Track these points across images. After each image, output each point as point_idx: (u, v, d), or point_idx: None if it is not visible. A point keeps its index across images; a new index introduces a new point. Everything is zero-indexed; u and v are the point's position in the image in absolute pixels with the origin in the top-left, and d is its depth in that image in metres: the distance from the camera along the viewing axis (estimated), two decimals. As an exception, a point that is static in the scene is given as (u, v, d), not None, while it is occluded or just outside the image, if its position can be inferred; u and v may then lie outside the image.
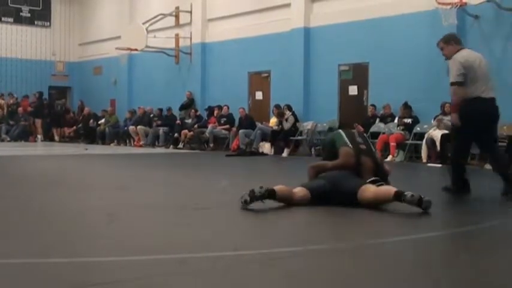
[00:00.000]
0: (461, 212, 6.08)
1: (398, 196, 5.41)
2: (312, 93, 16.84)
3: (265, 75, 18.44)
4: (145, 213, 5.61)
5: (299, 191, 5.85)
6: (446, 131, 12.43)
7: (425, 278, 3.39)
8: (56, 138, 23.60)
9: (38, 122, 23.52)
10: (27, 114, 23.67)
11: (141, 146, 19.77)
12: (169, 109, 20.28)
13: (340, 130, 7.08)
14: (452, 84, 6.87)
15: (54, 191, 7.62)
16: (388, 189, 5.63)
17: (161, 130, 19.68)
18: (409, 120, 13.63)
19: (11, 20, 25.90)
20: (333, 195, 5.77)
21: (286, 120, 16.04)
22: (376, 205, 5.65)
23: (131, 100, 23.54)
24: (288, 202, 5.74)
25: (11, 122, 23.49)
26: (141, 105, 21.40)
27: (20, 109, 23.72)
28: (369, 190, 5.68)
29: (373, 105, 15.06)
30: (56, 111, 24.11)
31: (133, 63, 23.48)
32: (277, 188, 5.66)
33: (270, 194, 5.54)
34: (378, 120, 14.65)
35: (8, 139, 22.56)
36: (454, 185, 7.04)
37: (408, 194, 5.37)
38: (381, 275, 3.44)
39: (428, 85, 13.67)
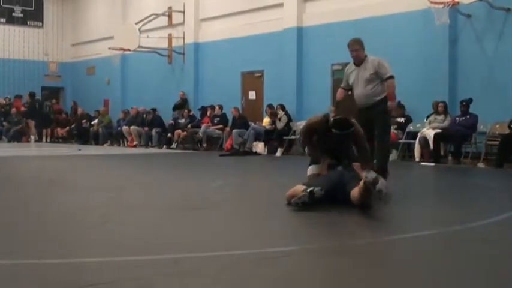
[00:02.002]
0: (456, 211, 6.10)
1: (365, 184, 5.37)
2: (305, 92, 16.86)
3: (258, 75, 18.45)
4: (139, 213, 5.61)
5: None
6: (439, 130, 12.49)
7: (421, 277, 3.41)
8: (44, 139, 23.50)
9: (31, 122, 23.44)
10: (20, 114, 23.59)
11: (134, 146, 19.74)
12: (154, 110, 20.27)
13: None
14: (392, 77, 7.84)
15: (48, 192, 7.61)
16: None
17: (154, 130, 19.66)
18: (402, 120, 13.66)
19: (3, 20, 25.85)
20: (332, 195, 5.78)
21: (280, 119, 16.06)
22: (366, 199, 5.63)
23: (124, 100, 23.51)
24: None
25: (4, 123, 23.41)
26: (135, 105, 21.37)
27: (14, 110, 23.64)
28: (355, 191, 5.67)
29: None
30: (45, 112, 23.99)
31: (126, 64, 23.45)
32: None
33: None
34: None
35: (4, 138, 22.56)
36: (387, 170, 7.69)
37: (369, 177, 5.32)
38: (375, 274, 3.45)
39: (420, 84, 13.70)
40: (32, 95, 23.96)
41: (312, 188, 5.54)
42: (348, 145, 6.38)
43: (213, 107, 18.38)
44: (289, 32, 17.07)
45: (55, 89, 27.38)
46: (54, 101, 25.70)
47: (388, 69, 7.89)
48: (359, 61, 8.00)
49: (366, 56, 8.01)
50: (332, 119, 6.24)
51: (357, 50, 8.05)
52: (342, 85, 8.34)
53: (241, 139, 16.57)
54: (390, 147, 8.19)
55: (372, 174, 5.32)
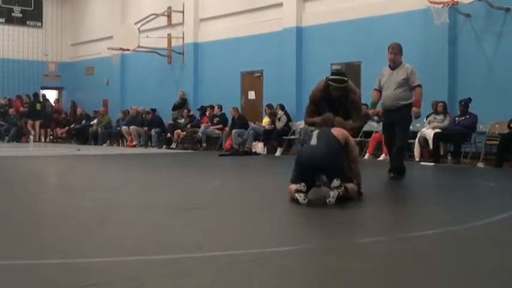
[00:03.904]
0: (456, 211, 6.09)
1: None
2: (305, 92, 16.79)
3: (258, 74, 18.45)
4: (138, 213, 5.61)
5: None
6: (439, 130, 12.48)
7: (420, 277, 3.40)
8: (43, 139, 23.46)
9: (30, 122, 23.39)
10: (18, 115, 23.56)
11: (134, 146, 19.74)
12: (153, 110, 20.25)
13: None
14: (420, 86, 8.65)
15: (47, 192, 7.61)
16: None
17: (153, 130, 19.66)
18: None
19: (2, 20, 25.84)
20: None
21: (279, 119, 16.05)
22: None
23: (124, 100, 23.51)
24: None
25: (2, 123, 23.39)
26: (134, 105, 21.35)
27: (12, 110, 23.59)
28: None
29: (365, 104, 15.03)
30: (47, 112, 23.95)
31: (125, 63, 23.45)
32: None
33: None
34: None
35: (5, 138, 22.57)
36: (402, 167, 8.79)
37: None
38: (373, 274, 3.44)
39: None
40: (34, 95, 23.88)
41: (296, 188, 5.83)
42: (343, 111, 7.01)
43: (212, 107, 18.38)
44: (289, 31, 17.07)
45: (53, 89, 27.45)
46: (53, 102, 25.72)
47: (417, 79, 8.60)
48: (394, 65, 8.69)
49: (401, 62, 8.65)
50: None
51: (396, 54, 8.68)
52: (375, 86, 9.03)
53: (241, 139, 16.56)
54: (404, 150, 9.23)
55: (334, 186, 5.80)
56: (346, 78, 6.98)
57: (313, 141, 6.18)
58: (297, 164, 6.21)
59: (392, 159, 8.92)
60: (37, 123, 23.39)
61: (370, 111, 9.68)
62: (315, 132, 6.30)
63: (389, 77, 8.68)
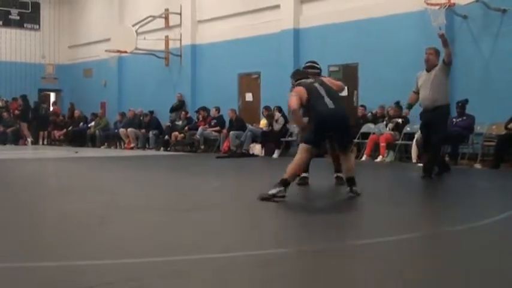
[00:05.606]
0: (455, 211, 6.10)
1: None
2: (302, 94, 16.82)
3: (255, 76, 18.45)
4: (136, 215, 5.61)
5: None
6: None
7: (420, 277, 3.41)
8: (40, 141, 23.41)
9: (24, 125, 23.31)
10: (13, 117, 23.49)
11: (131, 148, 19.73)
12: (151, 112, 20.24)
13: None
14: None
15: (46, 194, 7.60)
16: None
17: (151, 133, 19.65)
18: (399, 120, 13.64)
19: (0, 23, 25.79)
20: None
21: (276, 121, 16.05)
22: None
23: (121, 102, 23.49)
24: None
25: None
26: (132, 107, 21.34)
27: (5, 114, 23.51)
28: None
29: (363, 105, 15.08)
30: (41, 114, 23.89)
31: (123, 66, 23.44)
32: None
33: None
34: (370, 120, 14.63)
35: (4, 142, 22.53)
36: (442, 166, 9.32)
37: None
38: (371, 275, 3.45)
39: (417, 85, 13.70)
40: (23, 97, 23.78)
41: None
42: None
43: (204, 108, 18.32)
44: (286, 33, 17.08)
45: (51, 92, 27.38)
46: (47, 104, 25.68)
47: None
48: (430, 67, 8.88)
49: (437, 64, 8.81)
50: None
51: (431, 53, 8.89)
52: (413, 89, 9.28)
53: (238, 141, 16.56)
54: (439, 150, 9.44)
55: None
56: (318, 65, 7.73)
57: (328, 101, 6.63)
58: (318, 126, 6.68)
59: (428, 159, 9.29)
60: (26, 125, 23.31)
61: (405, 112, 10.15)
62: (323, 92, 6.80)
63: (426, 79, 8.94)
